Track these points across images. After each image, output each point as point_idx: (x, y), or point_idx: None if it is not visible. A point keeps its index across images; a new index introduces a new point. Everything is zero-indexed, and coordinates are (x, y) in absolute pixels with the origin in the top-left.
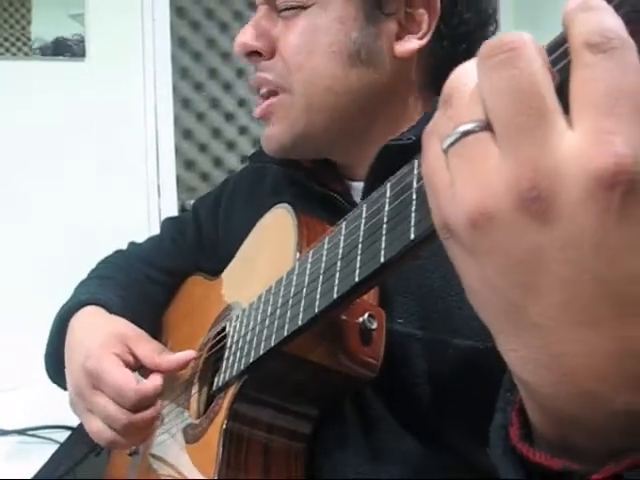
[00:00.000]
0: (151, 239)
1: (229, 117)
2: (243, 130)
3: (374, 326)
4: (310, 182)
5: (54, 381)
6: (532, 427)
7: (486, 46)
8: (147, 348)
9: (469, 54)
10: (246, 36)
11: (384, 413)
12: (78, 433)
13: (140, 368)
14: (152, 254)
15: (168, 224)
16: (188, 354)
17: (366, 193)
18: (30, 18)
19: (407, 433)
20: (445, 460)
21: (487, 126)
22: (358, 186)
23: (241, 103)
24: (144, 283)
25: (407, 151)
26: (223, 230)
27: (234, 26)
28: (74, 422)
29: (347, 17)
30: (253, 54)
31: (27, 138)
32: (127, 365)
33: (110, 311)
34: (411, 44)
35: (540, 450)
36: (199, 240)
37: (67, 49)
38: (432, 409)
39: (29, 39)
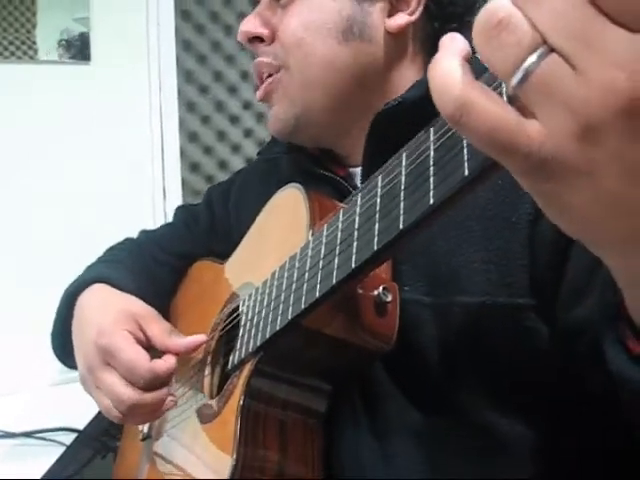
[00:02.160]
0: (164, 226)
1: (234, 120)
2: (248, 133)
3: (389, 299)
4: (316, 166)
5: (60, 359)
6: None
7: None
8: (158, 328)
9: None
10: (249, 24)
11: (390, 387)
12: (84, 436)
13: (150, 348)
14: (164, 239)
15: (181, 211)
16: (199, 338)
17: (365, 161)
18: (35, 22)
19: (414, 404)
20: (457, 430)
21: (550, 50)
22: (358, 171)
23: (246, 106)
24: (155, 267)
25: (398, 115)
26: (235, 219)
27: (239, 29)
28: (80, 425)
29: None
30: (255, 40)
31: (32, 141)
32: (139, 343)
33: (120, 289)
34: (401, 19)
35: None
36: (212, 225)
37: (72, 52)
38: (444, 374)
39: (34, 42)
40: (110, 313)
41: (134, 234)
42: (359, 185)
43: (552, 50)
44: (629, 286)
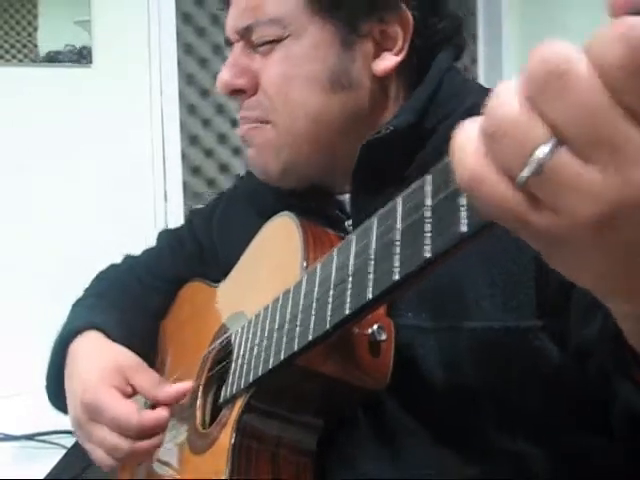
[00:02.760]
0: (148, 250)
1: (235, 123)
2: None
3: (383, 337)
4: (299, 197)
5: (55, 406)
6: None
7: (533, 77)
8: (145, 379)
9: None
10: (228, 75)
11: (399, 414)
12: None
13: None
14: (151, 263)
15: (165, 235)
16: (185, 386)
17: (354, 194)
18: (37, 25)
19: (425, 431)
20: (468, 455)
21: (561, 143)
22: (345, 198)
23: None
24: (142, 294)
25: (387, 143)
26: (220, 250)
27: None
28: None
29: (322, 44)
30: (236, 92)
31: (34, 144)
32: (125, 396)
33: (108, 336)
34: (388, 61)
35: None
36: (199, 250)
37: (73, 55)
38: (452, 399)
39: (36, 46)
40: (97, 368)
41: (135, 237)
42: (347, 210)
43: (562, 143)
44: (630, 324)
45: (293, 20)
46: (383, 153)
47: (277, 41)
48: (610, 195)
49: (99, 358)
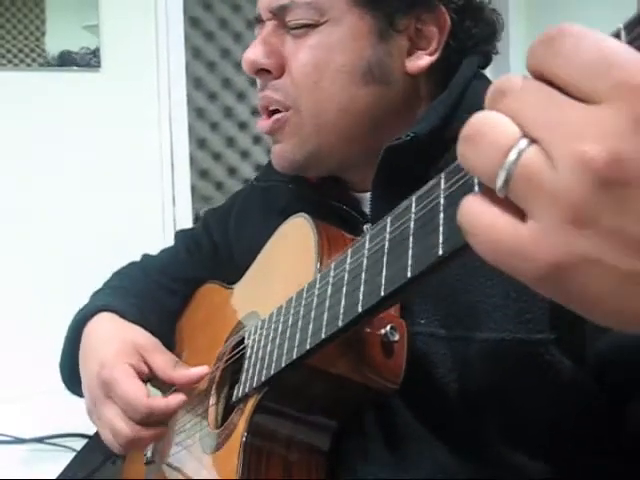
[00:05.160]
0: (165, 250)
1: (243, 126)
2: (257, 139)
3: (396, 338)
4: (319, 197)
5: (69, 388)
6: None
7: (497, 87)
8: (162, 360)
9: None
10: (256, 53)
11: (410, 420)
12: (94, 441)
13: (153, 379)
14: (167, 264)
15: (182, 235)
16: (202, 370)
17: (374, 199)
18: (45, 29)
19: (435, 438)
20: (477, 465)
21: (530, 143)
22: (365, 196)
23: (255, 112)
24: (159, 293)
25: (409, 149)
26: (236, 246)
27: (248, 36)
28: (91, 430)
29: (359, 35)
30: (262, 72)
31: (42, 147)
32: (141, 376)
33: (125, 318)
34: (422, 60)
35: None
36: (214, 250)
37: (82, 60)
38: (463, 408)
39: (44, 50)
40: (113, 345)
41: (143, 240)
42: (365, 210)
43: (532, 141)
44: None
45: (332, 7)
46: (403, 159)
47: (312, 26)
48: (572, 186)
49: (116, 336)
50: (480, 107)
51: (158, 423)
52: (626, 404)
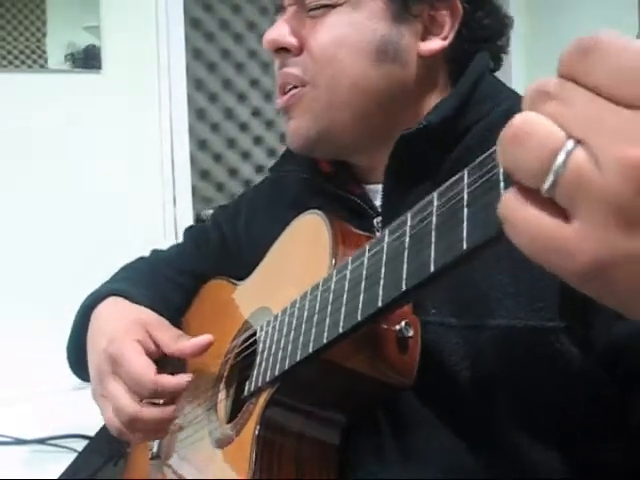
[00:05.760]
0: (174, 246)
1: (244, 127)
2: (258, 140)
3: (410, 334)
4: (330, 186)
5: (75, 372)
6: None
7: (537, 89)
8: (167, 335)
9: (495, 56)
10: (279, 32)
11: (422, 410)
12: (95, 442)
13: (163, 357)
14: (176, 258)
15: (191, 231)
16: (206, 338)
17: (387, 188)
18: (45, 31)
19: (445, 426)
20: (488, 453)
21: (576, 144)
22: (376, 188)
23: (255, 113)
24: (167, 287)
25: (422, 138)
26: (245, 240)
27: (248, 37)
28: (92, 431)
29: (376, 16)
30: (282, 50)
31: (43, 149)
32: (148, 352)
33: (134, 302)
34: (434, 44)
35: None
36: (223, 246)
37: (83, 61)
38: (474, 396)
39: (44, 51)
40: (122, 323)
41: (144, 241)
42: (376, 204)
43: (578, 142)
44: None
45: None
46: (416, 148)
47: (331, 6)
48: (618, 188)
49: (126, 315)
50: (494, 101)
51: (164, 402)
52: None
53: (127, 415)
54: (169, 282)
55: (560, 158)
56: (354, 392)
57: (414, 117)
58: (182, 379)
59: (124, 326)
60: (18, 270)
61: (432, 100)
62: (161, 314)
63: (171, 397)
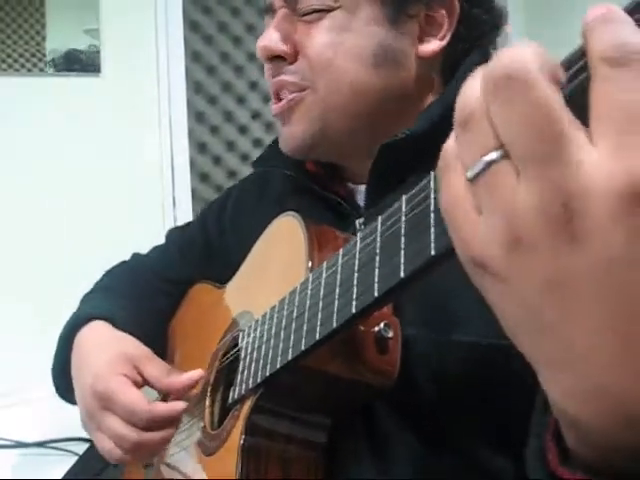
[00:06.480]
0: (156, 249)
1: (243, 130)
2: (257, 142)
3: (390, 335)
4: (314, 186)
5: (61, 395)
6: (570, 451)
7: (490, 77)
8: (155, 369)
9: (484, 54)
10: (270, 40)
11: (389, 420)
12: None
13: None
14: (158, 265)
15: (174, 235)
16: (196, 373)
17: (369, 194)
18: (45, 34)
19: (413, 438)
20: (453, 466)
21: (507, 154)
22: (362, 188)
23: (255, 116)
24: (150, 294)
25: (405, 147)
26: (231, 238)
27: (247, 40)
28: None
29: (372, 20)
30: (276, 58)
31: (43, 152)
32: (136, 385)
33: (116, 326)
34: (432, 45)
35: (580, 473)
36: (208, 248)
37: (82, 65)
38: (440, 409)
39: (44, 55)
40: (105, 356)
41: (144, 244)
42: (360, 204)
43: (506, 156)
44: (563, 421)
45: None
46: (399, 156)
47: (325, 11)
48: (527, 217)
49: (108, 347)
50: None
51: (162, 428)
52: None
53: (131, 444)
54: (152, 290)
55: (488, 157)
56: (337, 395)
57: (412, 118)
58: (176, 406)
59: (107, 359)
60: (18, 272)
61: (428, 101)
62: (146, 329)
63: (167, 422)
